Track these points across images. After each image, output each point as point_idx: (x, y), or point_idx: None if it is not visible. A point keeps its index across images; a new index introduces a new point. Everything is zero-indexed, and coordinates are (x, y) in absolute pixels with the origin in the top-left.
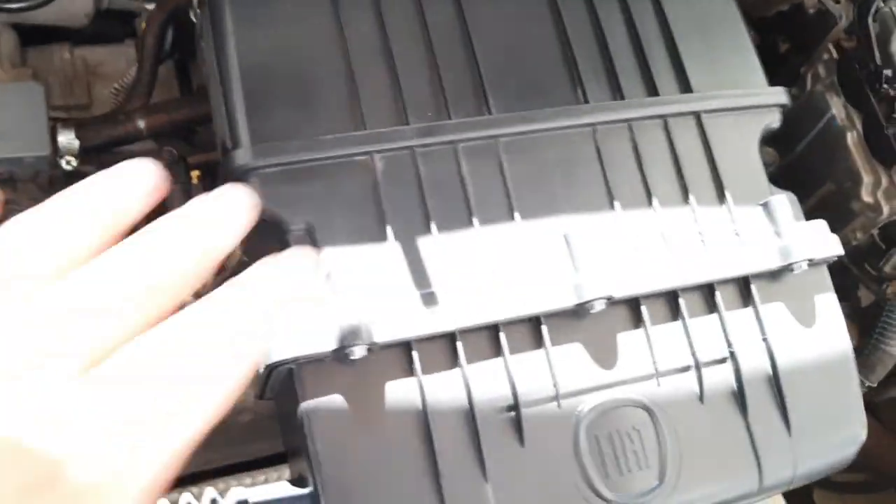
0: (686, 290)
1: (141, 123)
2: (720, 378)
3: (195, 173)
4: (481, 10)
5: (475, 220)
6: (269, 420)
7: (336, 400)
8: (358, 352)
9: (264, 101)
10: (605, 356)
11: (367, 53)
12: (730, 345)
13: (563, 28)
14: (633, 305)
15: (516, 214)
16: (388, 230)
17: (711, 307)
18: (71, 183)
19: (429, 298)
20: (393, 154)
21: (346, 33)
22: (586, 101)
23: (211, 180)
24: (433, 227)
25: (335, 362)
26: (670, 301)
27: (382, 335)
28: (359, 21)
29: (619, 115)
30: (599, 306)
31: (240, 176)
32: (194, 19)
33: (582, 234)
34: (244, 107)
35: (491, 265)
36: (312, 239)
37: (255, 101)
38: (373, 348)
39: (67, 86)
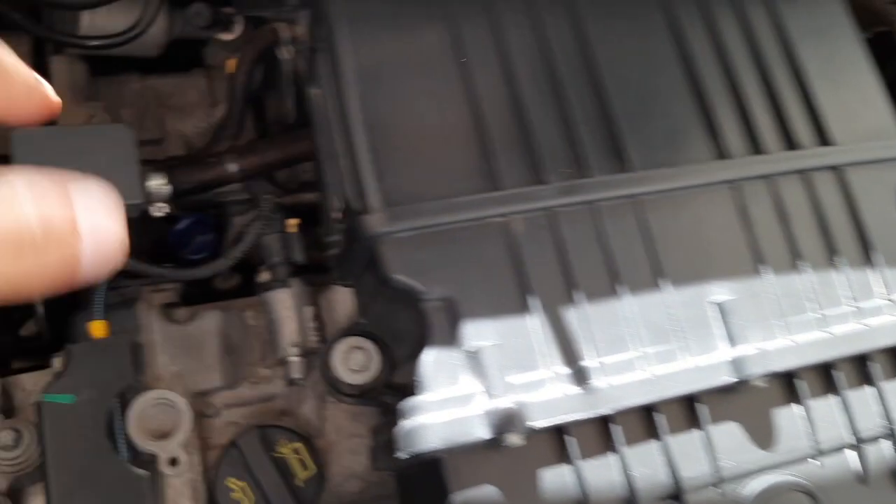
0: (841, 361)
1: (233, 167)
2: (880, 455)
3: (293, 222)
4: (610, 57)
5: (620, 287)
6: (378, 488)
7: (489, 491)
8: (514, 440)
9: (392, 159)
10: (762, 435)
11: (496, 105)
12: (889, 420)
13: (695, 76)
14: (787, 379)
15: (662, 279)
16: (531, 300)
17: (867, 379)
18: (161, 228)
19: (581, 376)
20: (531, 215)
21: (473, 85)
22: (724, 155)
23: (306, 225)
24: (577, 295)
25: (486, 449)
26: (824, 373)
27: (538, 420)
28: (485, 71)
29: (758, 170)
30: (759, 382)
31: (371, 243)
32: (285, 56)
33: (732, 301)
34: (373, 168)
35: (641, 336)
36: (451, 311)
37: (382, 160)
38: (527, 435)
39: (139, 119)
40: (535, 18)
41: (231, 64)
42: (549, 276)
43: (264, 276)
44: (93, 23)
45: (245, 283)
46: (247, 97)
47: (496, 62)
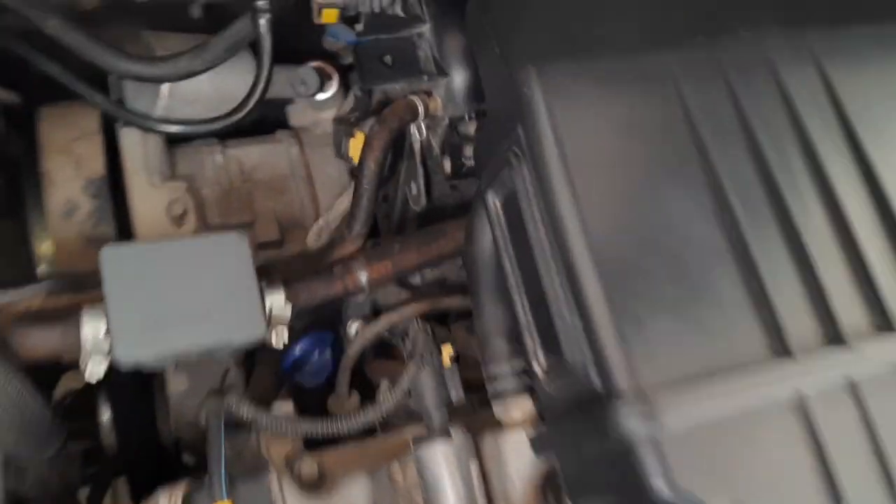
0: None
1: (362, 276)
2: None
3: (447, 352)
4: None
5: None
6: None
7: None
8: None
9: (635, 312)
10: None
11: (759, 223)
12: None
13: None
14: None
15: None
16: None
17: None
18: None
19: None
20: (828, 387)
21: (725, 197)
22: None
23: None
24: None
25: None
26: None
27: None
28: (738, 177)
29: None
30: None
31: (622, 440)
32: (419, 134)
33: None
34: (614, 327)
35: None
36: None
37: (622, 312)
38: None
39: (224, 198)
40: (796, 127)
41: (355, 145)
42: (858, 471)
43: (387, 397)
44: (173, 97)
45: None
46: (378, 189)
47: (750, 164)
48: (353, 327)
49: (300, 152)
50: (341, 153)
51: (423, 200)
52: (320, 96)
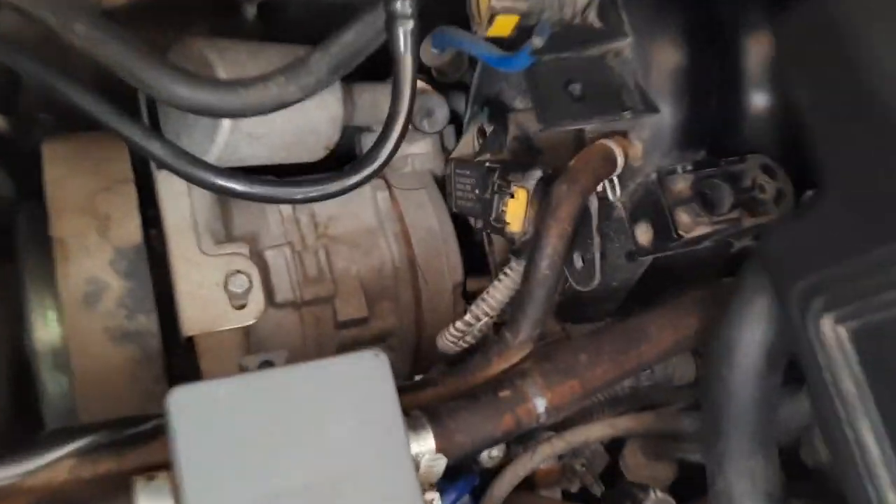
0: None
1: (540, 404)
2: None
3: None
4: None
5: None
6: None
7: None
8: None
9: None
10: None
11: None
12: None
13: None
14: None
15: None
16: None
17: None
18: None
19: None
20: None
21: None
22: None
23: None
24: None
25: None
26: None
27: None
28: None
29: None
30: None
31: None
32: (609, 192)
33: None
34: None
35: None
36: None
37: None
38: None
39: (297, 265)
40: None
41: (515, 209)
42: None
43: None
44: (237, 131)
45: None
46: (560, 274)
47: None
48: (491, 451)
49: (389, 198)
50: (467, 209)
51: (596, 279)
52: (423, 126)
